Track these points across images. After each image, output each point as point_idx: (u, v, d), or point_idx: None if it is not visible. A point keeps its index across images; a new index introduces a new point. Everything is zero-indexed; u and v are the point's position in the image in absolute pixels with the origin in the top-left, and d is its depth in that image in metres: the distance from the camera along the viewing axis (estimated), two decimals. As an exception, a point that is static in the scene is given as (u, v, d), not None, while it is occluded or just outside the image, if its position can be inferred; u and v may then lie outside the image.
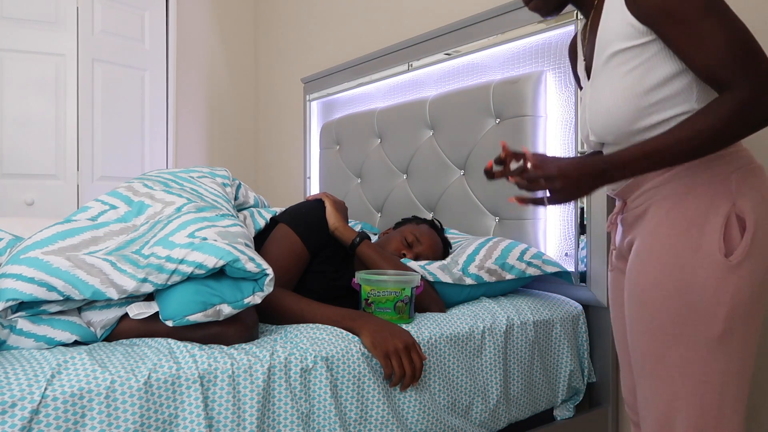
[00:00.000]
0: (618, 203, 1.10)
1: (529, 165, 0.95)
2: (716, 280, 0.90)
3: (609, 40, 0.98)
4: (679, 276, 0.93)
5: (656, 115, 0.96)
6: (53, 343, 1.06)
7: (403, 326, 1.29)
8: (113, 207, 1.39)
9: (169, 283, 1.10)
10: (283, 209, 1.61)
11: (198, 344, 1.07)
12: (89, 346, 1.08)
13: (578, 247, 1.65)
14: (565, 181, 0.92)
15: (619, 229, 1.12)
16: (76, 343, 1.10)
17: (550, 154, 1.30)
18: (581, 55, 1.14)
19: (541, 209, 1.75)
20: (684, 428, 0.94)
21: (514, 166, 1.02)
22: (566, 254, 1.72)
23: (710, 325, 0.91)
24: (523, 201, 0.98)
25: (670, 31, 0.90)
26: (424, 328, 1.30)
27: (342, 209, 1.57)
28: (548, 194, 0.95)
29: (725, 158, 0.94)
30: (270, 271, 1.15)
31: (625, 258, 1.10)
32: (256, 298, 1.13)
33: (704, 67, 0.88)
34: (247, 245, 1.19)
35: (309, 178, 2.95)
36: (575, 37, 1.24)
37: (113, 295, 1.08)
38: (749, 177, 0.93)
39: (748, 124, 0.86)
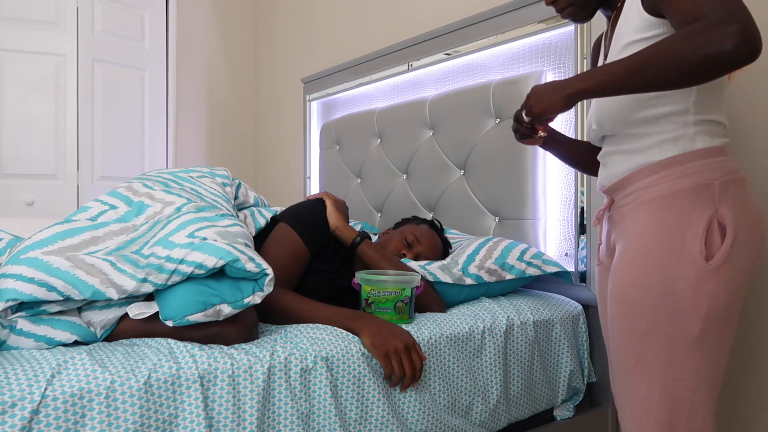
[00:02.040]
0: (606, 200, 1.13)
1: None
2: (696, 282, 0.93)
3: (624, 33, 1.02)
4: (660, 277, 0.95)
5: (653, 109, 0.99)
6: (53, 343, 1.05)
7: (403, 326, 1.29)
8: (113, 207, 1.39)
9: (169, 283, 1.10)
10: (284, 209, 1.61)
11: (198, 344, 1.07)
12: (89, 346, 1.08)
13: (578, 247, 1.65)
14: (533, 92, 1.01)
15: (606, 225, 1.15)
16: (76, 343, 1.10)
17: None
18: (603, 53, 1.17)
19: (540, 208, 1.75)
20: (657, 425, 0.97)
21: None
22: (566, 254, 1.72)
23: (688, 325, 0.94)
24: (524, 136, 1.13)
25: (670, 5, 0.90)
26: (424, 328, 1.30)
27: (343, 209, 1.57)
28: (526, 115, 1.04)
29: (710, 166, 0.96)
30: (270, 271, 1.15)
31: (612, 255, 1.12)
32: (256, 298, 1.13)
33: (687, 15, 0.86)
34: (246, 245, 1.19)
35: (309, 178, 2.95)
36: (601, 36, 1.26)
37: (113, 295, 1.08)
38: (731, 186, 0.96)
39: (706, 50, 0.81)
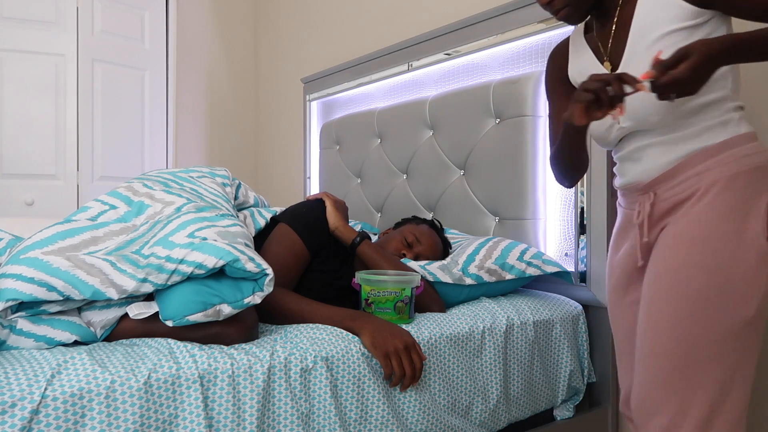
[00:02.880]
0: (643, 197, 1.07)
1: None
2: (757, 263, 0.93)
3: (654, 24, 1.01)
4: (720, 258, 0.94)
5: (698, 98, 0.99)
6: (53, 343, 1.06)
7: (403, 326, 1.29)
8: (113, 207, 1.39)
9: (169, 283, 1.10)
10: (284, 209, 1.61)
11: (198, 344, 1.07)
12: (89, 346, 1.08)
13: (578, 247, 1.65)
14: (696, 65, 0.87)
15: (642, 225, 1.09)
16: (76, 343, 1.10)
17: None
18: (582, 55, 1.15)
19: (540, 208, 1.75)
20: (697, 405, 0.94)
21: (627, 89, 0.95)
22: (566, 254, 1.72)
23: (745, 307, 0.93)
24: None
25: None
26: (424, 328, 1.30)
27: (342, 209, 1.57)
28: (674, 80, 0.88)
29: (759, 148, 0.98)
30: (270, 271, 1.15)
31: (645, 255, 1.08)
32: (256, 298, 1.13)
33: None
34: (246, 245, 1.19)
35: (309, 178, 2.95)
36: (564, 42, 1.24)
37: (113, 295, 1.08)
38: None
39: None
